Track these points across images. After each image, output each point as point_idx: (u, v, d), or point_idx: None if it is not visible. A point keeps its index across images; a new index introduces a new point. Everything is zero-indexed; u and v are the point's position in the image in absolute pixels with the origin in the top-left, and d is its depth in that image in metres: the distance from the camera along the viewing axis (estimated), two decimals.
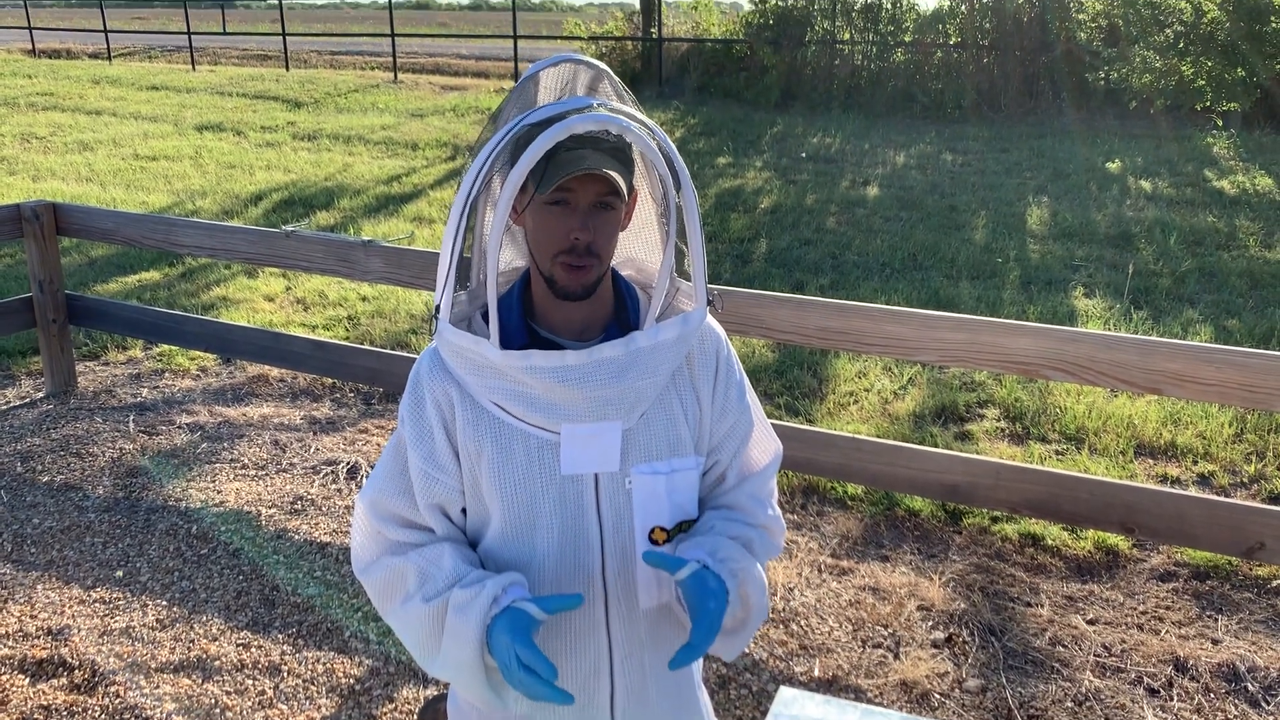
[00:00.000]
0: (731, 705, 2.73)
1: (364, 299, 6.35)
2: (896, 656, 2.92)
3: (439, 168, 10.89)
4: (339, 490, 3.90)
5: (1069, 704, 2.72)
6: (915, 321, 3.04)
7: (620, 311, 1.51)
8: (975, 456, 3.22)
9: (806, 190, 9.33)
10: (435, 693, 2.67)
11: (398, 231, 8.03)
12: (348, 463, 4.10)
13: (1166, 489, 3.01)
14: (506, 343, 1.43)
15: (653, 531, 1.52)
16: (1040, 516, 3.13)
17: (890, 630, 3.05)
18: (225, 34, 26.32)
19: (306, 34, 24.00)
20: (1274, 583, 3.31)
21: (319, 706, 2.64)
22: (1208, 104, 12.19)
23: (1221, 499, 2.91)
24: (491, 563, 1.51)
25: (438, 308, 1.42)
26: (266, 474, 4.03)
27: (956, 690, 2.77)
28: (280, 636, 2.96)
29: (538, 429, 1.43)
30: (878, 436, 4.27)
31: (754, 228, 8.03)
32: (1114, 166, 10.04)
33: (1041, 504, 3.08)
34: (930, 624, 3.08)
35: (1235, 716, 2.66)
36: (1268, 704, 2.71)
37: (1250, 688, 2.77)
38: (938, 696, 2.75)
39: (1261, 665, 2.86)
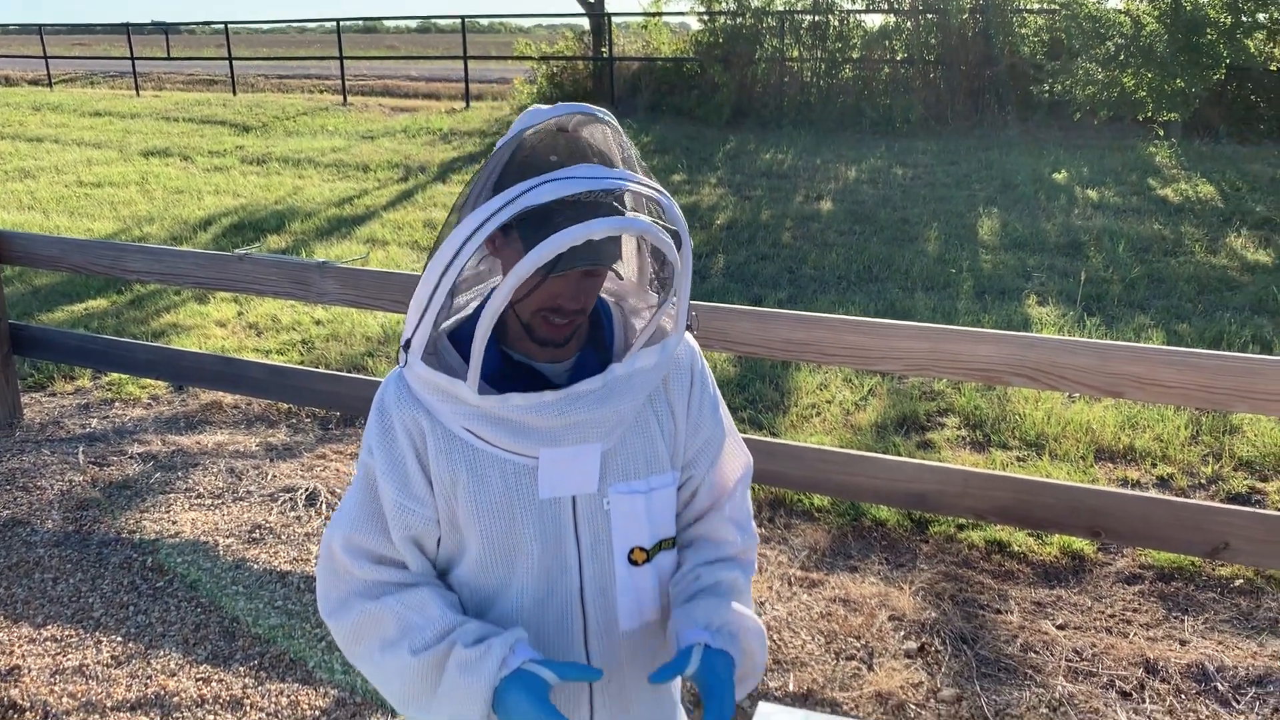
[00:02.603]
0: None
1: (318, 322, 6.26)
2: (870, 668, 2.91)
3: (391, 189, 10.81)
4: (298, 518, 3.82)
5: (1044, 710, 2.71)
6: (877, 331, 3.04)
7: (594, 330, 1.48)
8: (942, 465, 3.22)
9: (761, 206, 9.38)
10: None
11: (351, 254, 7.95)
12: (306, 489, 4.02)
13: (1132, 492, 3.04)
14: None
15: (632, 552, 1.49)
16: (1008, 523, 3.14)
17: (863, 641, 3.04)
18: (169, 59, 26.00)
19: (253, 58, 23.77)
20: (1236, 582, 3.35)
21: None
22: (1149, 115, 12.46)
23: (1186, 500, 2.93)
24: (469, 590, 1.47)
25: (408, 342, 1.38)
26: (223, 503, 3.93)
27: (932, 700, 2.76)
28: (241, 670, 2.87)
29: (514, 454, 1.40)
30: (841, 447, 4.27)
31: (711, 243, 8.05)
32: (1060, 177, 10.20)
33: (1009, 510, 3.08)
34: (902, 634, 3.07)
35: (1207, 717, 2.68)
36: (1238, 703, 2.73)
37: (1220, 687, 2.79)
38: (913, 707, 2.73)
39: (1230, 665, 2.88)
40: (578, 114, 1.36)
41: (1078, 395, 4.89)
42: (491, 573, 1.45)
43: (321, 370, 4.24)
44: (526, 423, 1.36)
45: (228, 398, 5.04)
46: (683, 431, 1.52)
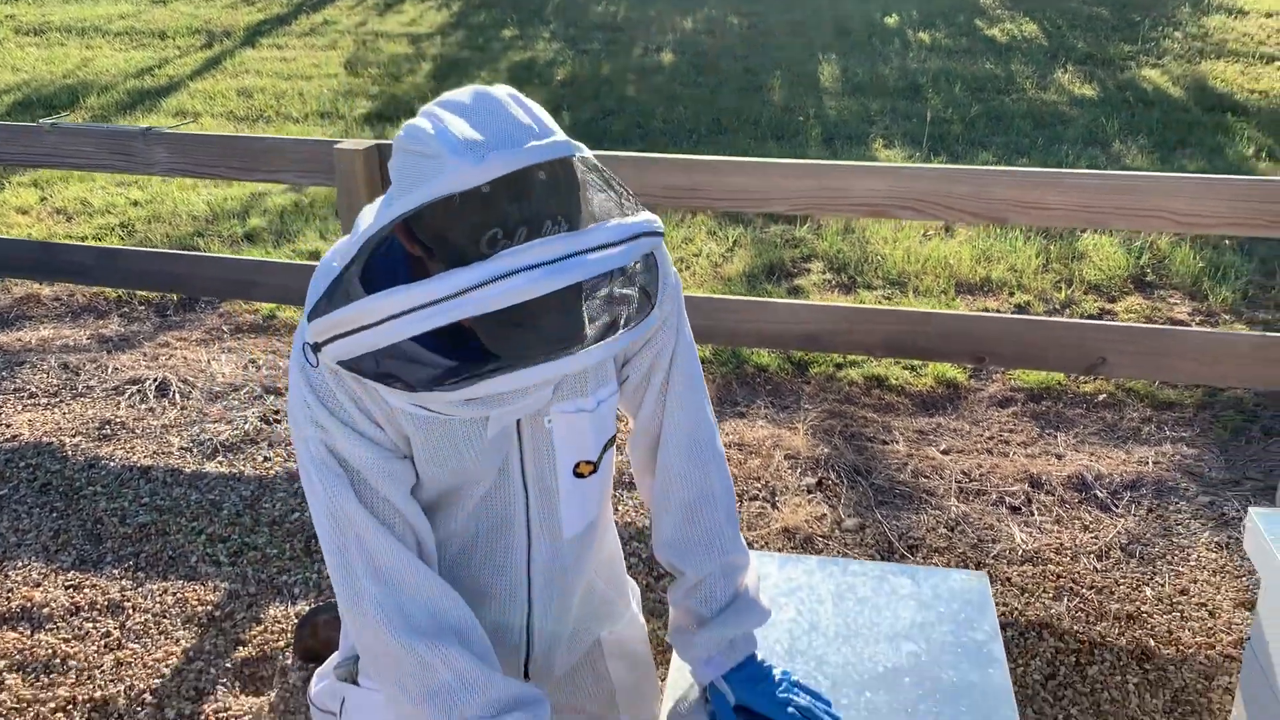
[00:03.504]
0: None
1: (135, 204, 5.74)
2: (774, 506, 2.93)
3: (195, 57, 9.92)
4: (151, 410, 3.53)
5: (942, 530, 2.81)
6: (762, 171, 2.95)
7: None
8: (831, 304, 3.22)
9: (600, 60, 9.08)
10: (308, 606, 2.47)
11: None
12: (155, 379, 3.71)
13: (1012, 316, 3.11)
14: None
15: (578, 466, 1.45)
16: (896, 355, 3.17)
17: (763, 482, 3.06)
18: None
19: None
20: (1100, 397, 3.53)
21: (177, 640, 2.39)
22: None
23: (1064, 320, 3.02)
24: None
25: (316, 346, 1.16)
26: (61, 400, 3.59)
27: (836, 531, 2.81)
28: (115, 573, 2.65)
29: (461, 415, 1.28)
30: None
31: (553, 101, 7.75)
32: (891, 21, 10.27)
33: (897, 343, 3.12)
34: (799, 471, 3.11)
35: (1091, 521, 2.82)
36: (1117, 507, 2.89)
37: (1099, 494, 2.94)
38: (820, 539, 2.78)
39: (1106, 473, 3.04)
40: (526, 165, 1.08)
41: (932, 236, 5.01)
42: (435, 500, 1.39)
43: (158, 250, 3.87)
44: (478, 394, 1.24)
45: (45, 289, 4.57)
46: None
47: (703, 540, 1.57)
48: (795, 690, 1.53)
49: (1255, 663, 1.74)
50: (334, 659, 2.03)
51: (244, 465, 3.15)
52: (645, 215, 1.16)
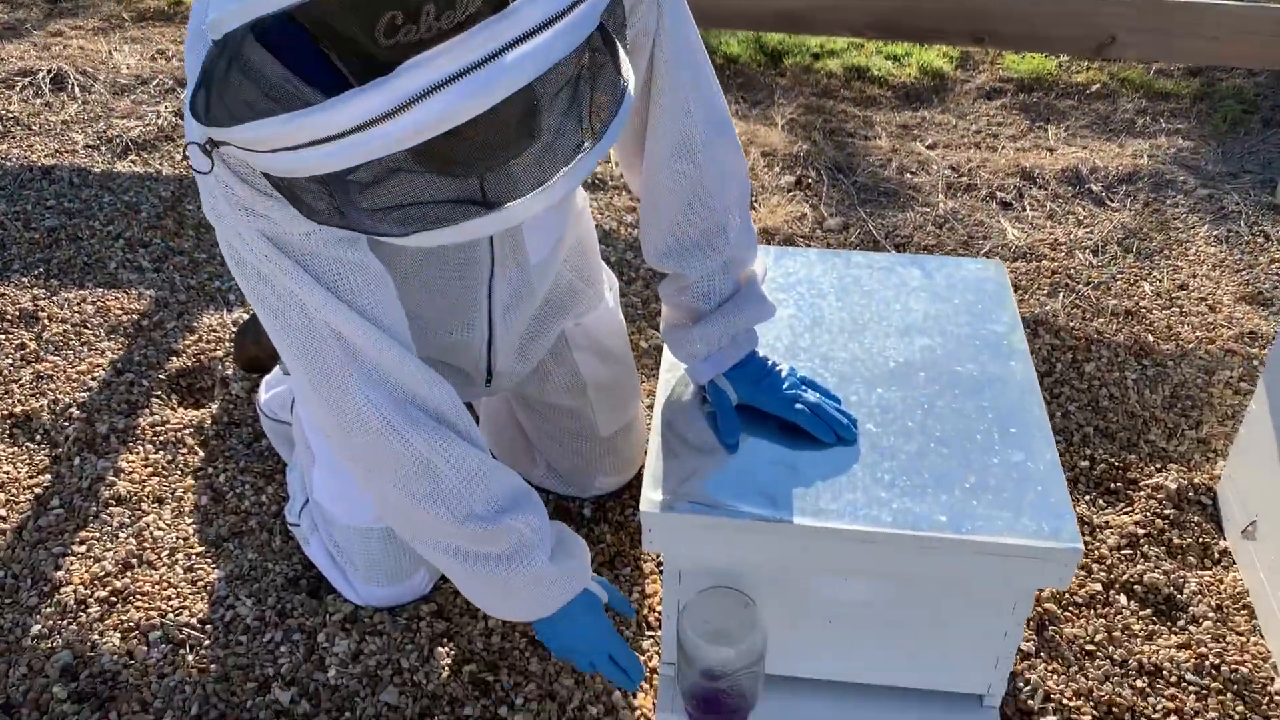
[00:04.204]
0: None
1: None
2: (751, 207, 2.71)
3: None
4: (48, 104, 3.13)
5: (930, 227, 2.62)
6: None
7: None
8: None
9: None
10: (246, 314, 2.25)
11: None
12: (49, 71, 3.28)
13: None
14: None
15: None
16: (886, 37, 2.88)
17: None
18: None
19: None
20: (1093, 88, 3.28)
21: (102, 351, 2.17)
22: None
23: None
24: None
25: (210, 143, 0.85)
26: None
27: (819, 230, 2.62)
28: (24, 281, 2.39)
29: None
30: None
31: None
32: None
33: (888, 23, 2.81)
34: (777, 170, 2.87)
35: (1085, 216, 2.66)
36: (1112, 201, 2.71)
37: (1094, 188, 2.76)
38: (802, 239, 2.59)
39: (1100, 165, 2.85)
40: None
41: None
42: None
43: None
44: None
45: None
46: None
47: (699, 241, 1.36)
48: (803, 386, 1.38)
49: None
50: (281, 365, 1.84)
51: (161, 164, 2.82)
52: None
